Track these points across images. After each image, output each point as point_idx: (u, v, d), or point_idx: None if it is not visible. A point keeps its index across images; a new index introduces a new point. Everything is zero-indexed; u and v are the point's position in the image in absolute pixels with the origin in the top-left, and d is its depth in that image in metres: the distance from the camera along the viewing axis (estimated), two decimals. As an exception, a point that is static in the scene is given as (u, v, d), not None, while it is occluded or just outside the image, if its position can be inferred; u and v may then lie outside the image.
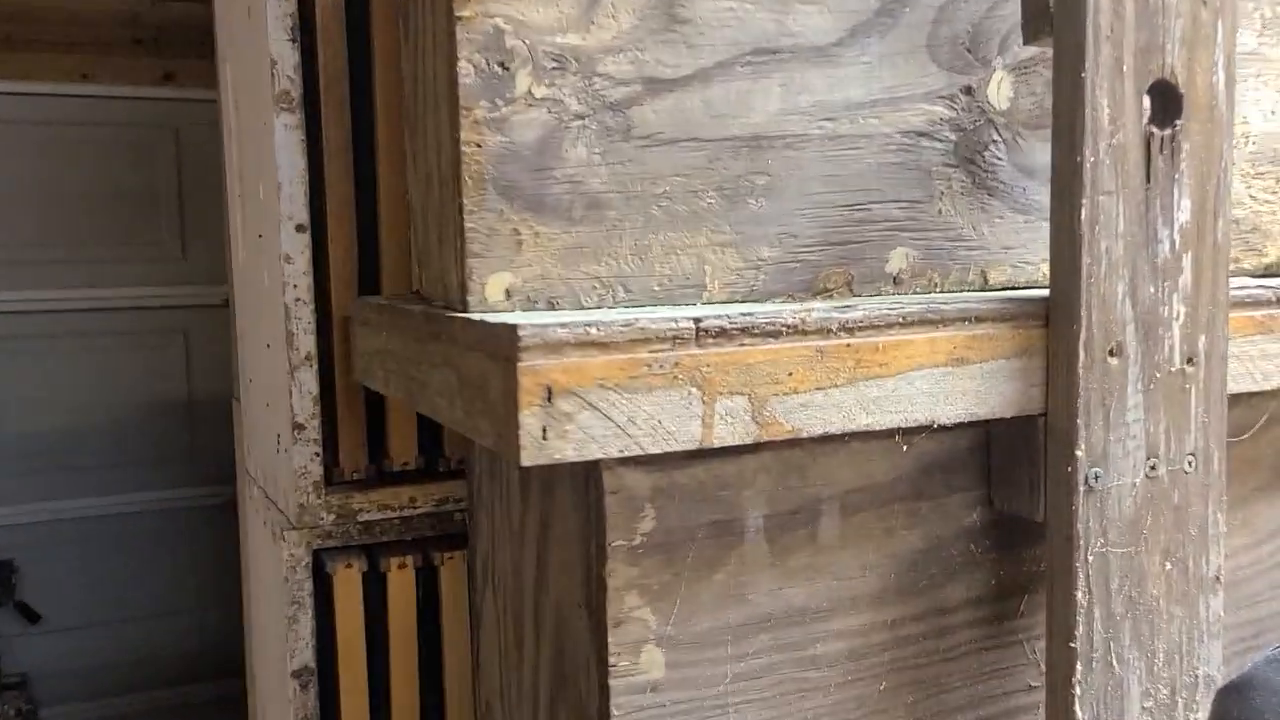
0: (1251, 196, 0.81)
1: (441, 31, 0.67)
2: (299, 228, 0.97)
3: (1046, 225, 0.71)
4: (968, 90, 0.74)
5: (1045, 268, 0.77)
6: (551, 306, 0.68)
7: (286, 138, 0.96)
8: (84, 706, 3.06)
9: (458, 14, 0.65)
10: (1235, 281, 0.74)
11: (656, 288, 0.70)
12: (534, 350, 0.55)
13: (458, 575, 1.06)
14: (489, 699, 0.91)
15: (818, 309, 0.62)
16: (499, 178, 0.66)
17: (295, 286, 0.97)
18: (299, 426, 0.98)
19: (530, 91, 0.66)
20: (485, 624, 0.92)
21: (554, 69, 0.67)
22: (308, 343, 0.98)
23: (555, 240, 0.68)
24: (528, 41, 0.66)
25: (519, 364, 0.55)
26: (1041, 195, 0.76)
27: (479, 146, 0.66)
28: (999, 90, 0.75)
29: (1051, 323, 0.66)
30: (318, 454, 0.99)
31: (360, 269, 1.01)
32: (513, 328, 0.55)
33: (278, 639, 1.08)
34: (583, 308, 0.69)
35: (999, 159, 0.75)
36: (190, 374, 3.25)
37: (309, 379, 0.98)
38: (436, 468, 1.07)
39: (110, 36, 3.23)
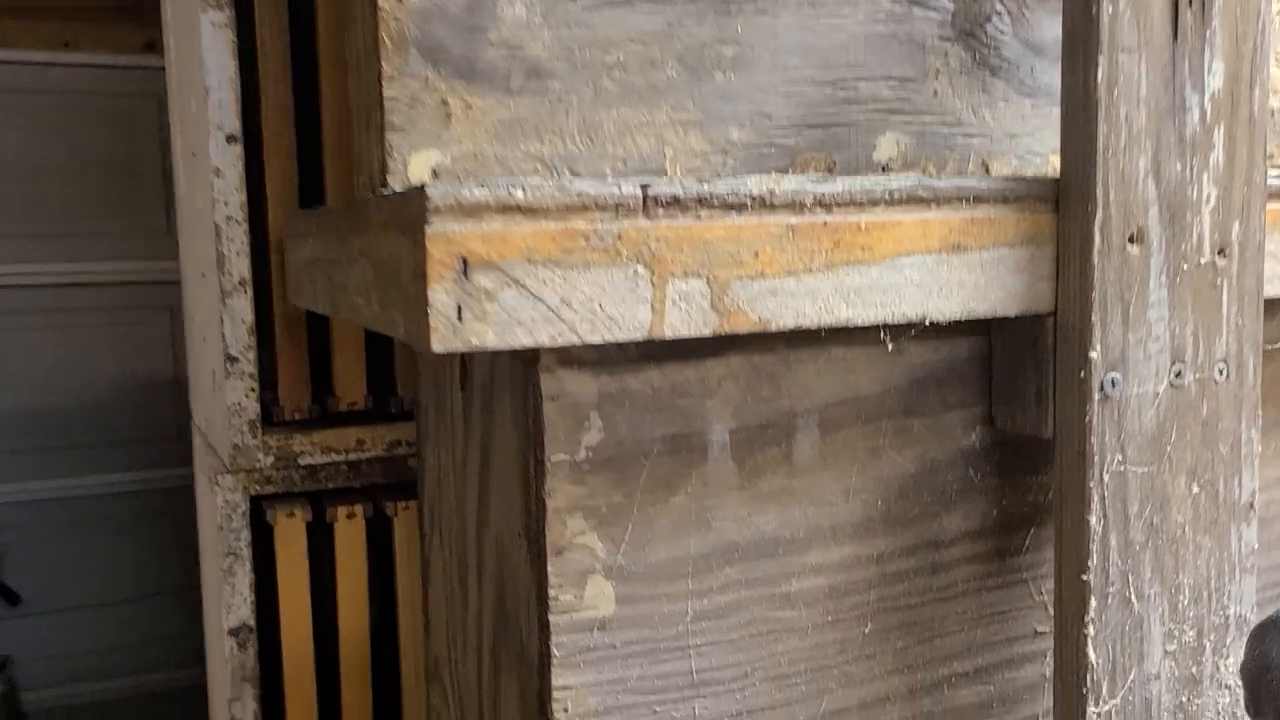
0: (1288, 83, 0.72)
1: None
2: (229, 138, 0.88)
3: (1056, 111, 0.62)
4: (967, -48, 0.65)
5: (1056, 160, 0.68)
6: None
7: (214, 38, 0.87)
8: (67, 690, 2.99)
9: None
10: (1273, 172, 0.65)
11: (608, 171, 0.61)
12: (445, 215, 0.46)
13: (412, 526, 0.97)
14: (437, 655, 0.82)
15: (790, 180, 0.53)
16: (422, 38, 0.57)
17: (226, 204, 0.89)
18: (232, 359, 0.90)
19: (459, -61, 0.57)
20: (433, 574, 0.83)
21: (487, -87, 0.57)
22: (241, 266, 0.89)
23: (490, 113, 0.59)
24: (456, -120, 0.57)
25: (427, 231, 0.46)
26: (1051, 75, 0.67)
27: (400, 2, 0.57)
28: (1002, -47, 0.65)
29: (1062, 205, 0.57)
30: (253, 389, 0.91)
31: (301, 184, 0.92)
32: (420, 190, 0.46)
33: (213, 594, 0.99)
34: (523, 193, 0.60)
35: (1003, 32, 0.66)
36: (176, 350, 3.16)
37: (242, 305, 0.90)
38: (388, 408, 0.99)
39: (92, 3, 3.13)
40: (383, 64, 0.57)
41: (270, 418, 0.94)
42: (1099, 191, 0.55)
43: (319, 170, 0.92)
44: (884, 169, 0.65)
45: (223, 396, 0.90)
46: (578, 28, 0.60)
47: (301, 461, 0.92)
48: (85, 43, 3.11)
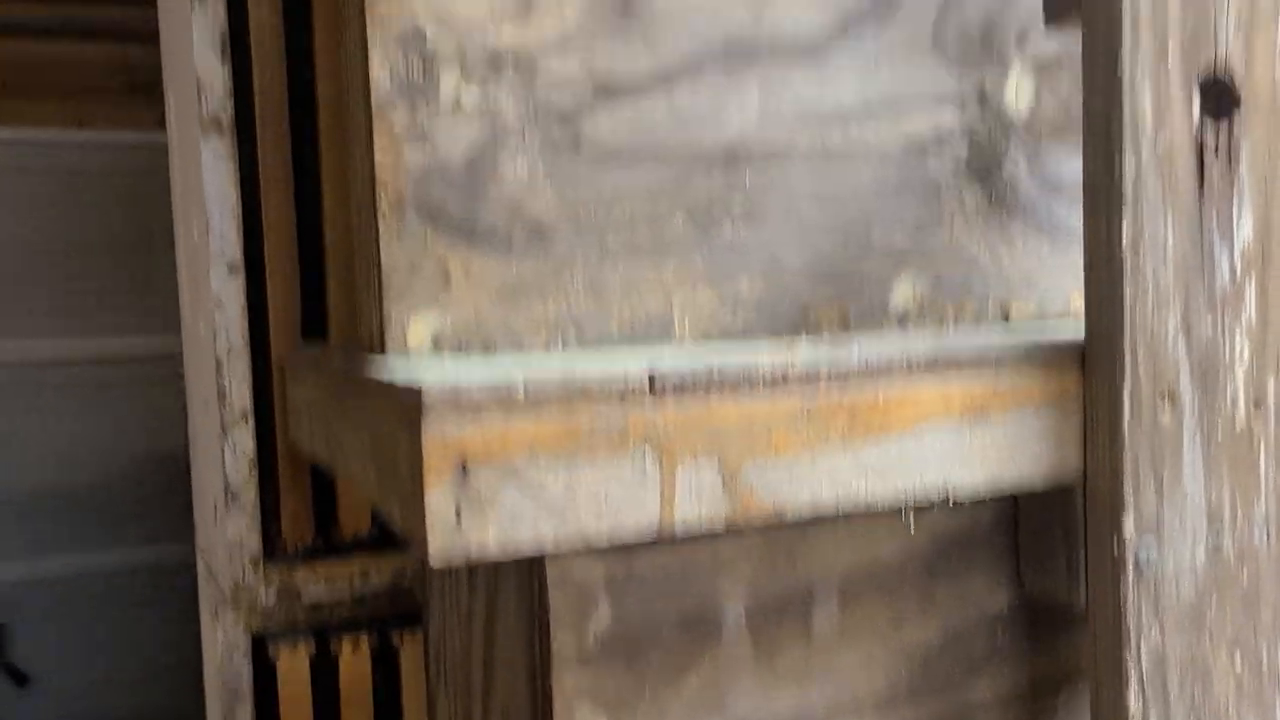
0: (1316, 213, 0.69)
1: (356, 31, 0.57)
2: (231, 268, 0.87)
3: (1077, 249, 0.60)
4: (981, 93, 0.63)
5: (1077, 299, 0.66)
6: (488, 354, 0.57)
7: (216, 167, 0.86)
8: (76, 771, 2.93)
9: (369, 8, 0.54)
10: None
11: (615, 331, 0.59)
12: (443, 413, 0.44)
13: (419, 657, 0.94)
14: (444, 805, 0.79)
15: (803, 355, 0.50)
16: (422, 201, 0.56)
17: (228, 334, 0.87)
18: (233, 494, 0.87)
19: (458, 97, 0.56)
20: (439, 715, 0.80)
21: (487, 71, 0.56)
22: (243, 397, 0.87)
23: (491, 275, 0.57)
24: (455, 38, 0.55)
25: (424, 431, 0.44)
26: (1070, 213, 0.65)
27: (396, 165, 0.55)
28: (1018, 91, 0.64)
29: (1089, 367, 0.54)
30: (255, 523, 0.88)
31: (304, 313, 0.90)
32: (415, 386, 0.44)
33: (215, 731, 0.96)
34: (525, 353, 0.57)
35: (1019, 172, 0.64)
36: (186, 425, 3.14)
37: (244, 438, 0.88)
38: (394, 536, 0.96)
39: (105, 83, 3.17)
40: (379, 226, 0.55)
41: (273, 550, 0.91)
42: (1127, 354, 0.53)
43: (322, 294, 0.90)
44: (900, 317, 0.63)
45: (224, 531, 0.88)
46: (582, 185, 0.58)
47: (305, 596, 0.90)
48: (98, 120, 3.13)
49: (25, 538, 2.90)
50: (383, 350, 0.56)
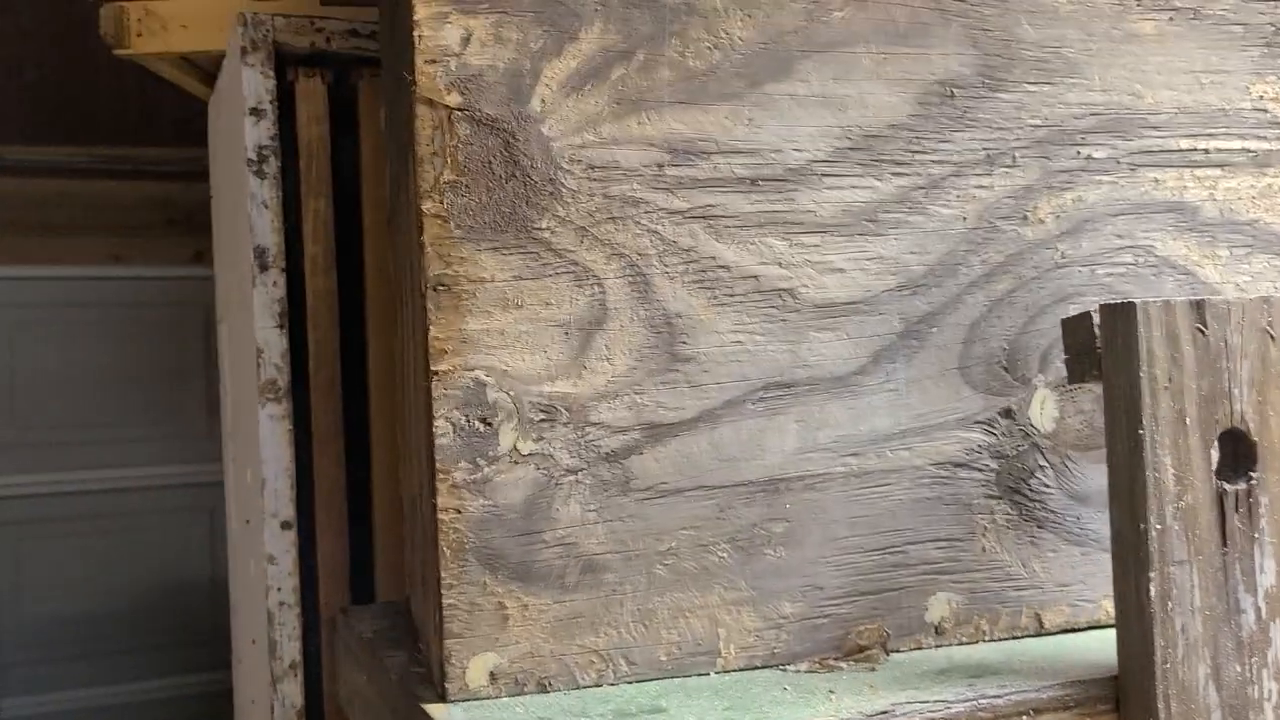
0: (1335, 509, 0.72)
1: (420, 387, 0.61)
2: (284, 525, 0.90)
3: (1106, 557, 0.63)
4: (1007, 413, 0.67)
5: (1107, 604, 0.68)
6: (543, 689, 0.60)
7: (272, 429, 0.90)
8: None
9: (434, 368, 0.58)
10: (1330, 628, 0.64)
11: (664, 657, 0.61)
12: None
13: None
14: None
15: (840, 704, 0.53)
16: (481, 546, 0.59)
17: (279, 590, 0.90)
18: (281, 746, 0.89)
19: (516, 448, 0.59)
20: None
21: (542, 421, 0.60)
22: (292, 650, 0.90)
23: (546, 612, 0.60)
24: (512, 393, 0.59)
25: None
26: (1098, 523, 0.67)
27: (459, 513, 0.59)
28: (1042, 411, 0.67)
29: (1123, 714, 0.57)
30: (302, 773, 0.90)
31: (353, 563, 0.94)
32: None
33: None
34: (579, 686, 0.60)
35: (1047, 486, 0.67)
36: (215, 551, 3.17)
37: (292, 690, 0.90)
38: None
39: (144, 219, 3.26)
40: (442, 573, 0.58)
41: (319, 795, 0.93)
42: (1159, 705, 0.55)
43: (369, 547, 0.93)
44: (937, 629, 0.65)
45: (272, 780, 0.90)
46: (631, 519, 0.61)
47: None
48: (134, 256, 3.22)
49: (58, 669, 2.90)
50: (442, 690, 0.58)
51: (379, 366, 0.93)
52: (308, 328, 0.92)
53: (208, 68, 1.09)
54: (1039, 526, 0.67)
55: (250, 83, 0.89)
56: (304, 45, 0.92)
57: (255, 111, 0.90)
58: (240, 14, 0.90)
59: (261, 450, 0.90)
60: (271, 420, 0.90)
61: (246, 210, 0.91)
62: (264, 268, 0.90)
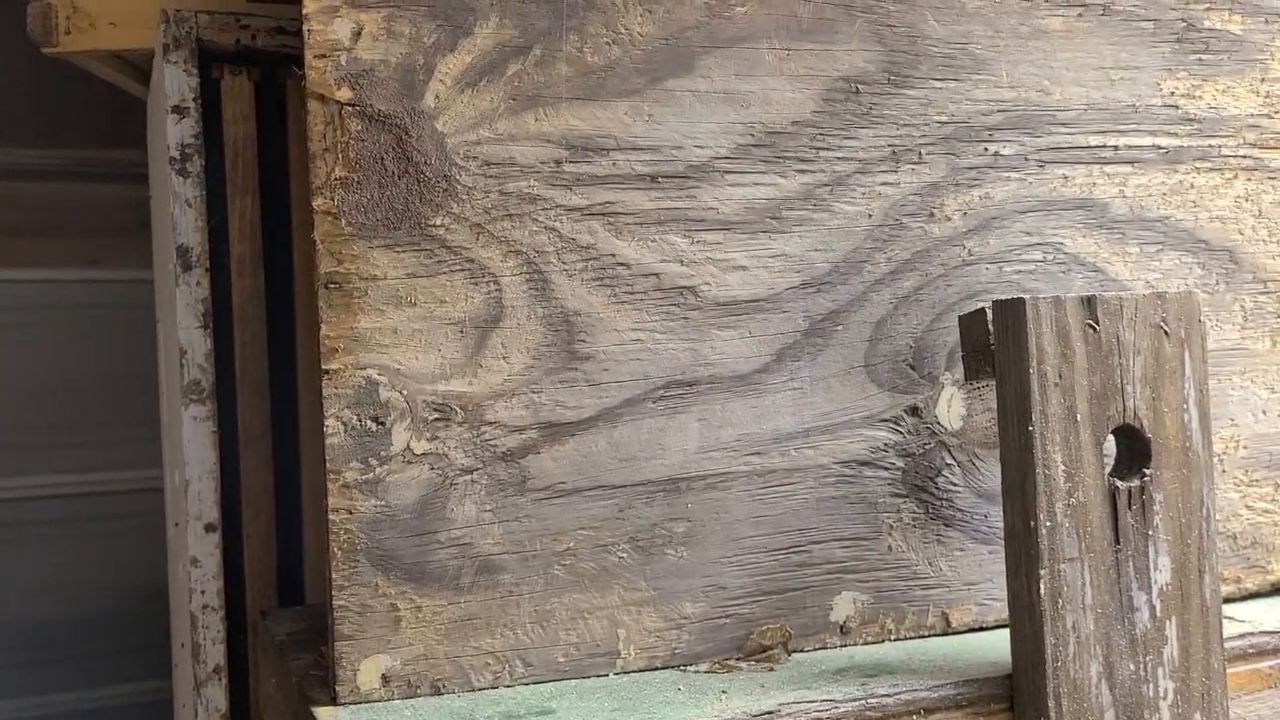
0: (1248, 507, 0.71)
1: (316, 386, 0.60)
2: (208, 527, 0.89)
3: (1014, 556, 0.62)
4: (914, 411, 0.66)
5: (1016, 603, 0.67)
6: (437, 691, 0.59)
7: (196, 430, 0.89)
8: None
9: (325, 367, 0.58)
10: (1234, 627, 0.64)
11: (562, 659, 0.61)
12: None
13: None
14: None
15: (734, 704, 0.52)
16: (373, 547, 0.58)
17: (203, 593, 0.89)
18: (205, 749, 0.89)
19: (409, 447, 0.59)
20: None
21: (436, 420, 0.59)
22: (216, 654, 0.89)
23: (441, 613, 0.59)
24: (405, 392, 0.59)
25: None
26: (1006, 522, 0.67)
27: (350, 514, 0.58)
28: (949, 408, 0.67)
29: (1016, 713, 0.56)
30: (226, 779, 0.89)
31: (281, 566, 0.93)
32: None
33: None
34: (474, 689, 0.59)
35: (954, 484, 0.67)
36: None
37: (217, 695, 0.89)
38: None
39: (120, 222, 3.25)
40: (332, 574, 0.58)
41: (246, 799, 0.92)
42: (1051, 704, 0.55)
43: (299, 548, 0.93)
44: (842, 629, 0.65)
45: (196, 785, 0.89)
46: (528, 520, 0.60)
47: (275, 847, 0.90)
48: (110, 259, 3.21)
49: (22, 675, 2.87)
50: (333, 693, 0.58)
51: (308, 367, 0.92)
52: (234, 328, 0.92)
53: (143, 66, 1.08)
54: (946, 525, 0.66)
55: (173, 80, 0.89)
56: (229, 43, 0.91)
57: (178, 109, 0.89)
58: (163, 11, 0.89)
59: (185, 452, 0.89)
60: (195, 422, 0.89)
61: (170, 209, 0.90)
62: (187, 267, 0.89)
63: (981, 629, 0.67)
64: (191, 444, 0.89)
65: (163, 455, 1.24)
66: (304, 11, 0.58)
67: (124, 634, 2.97)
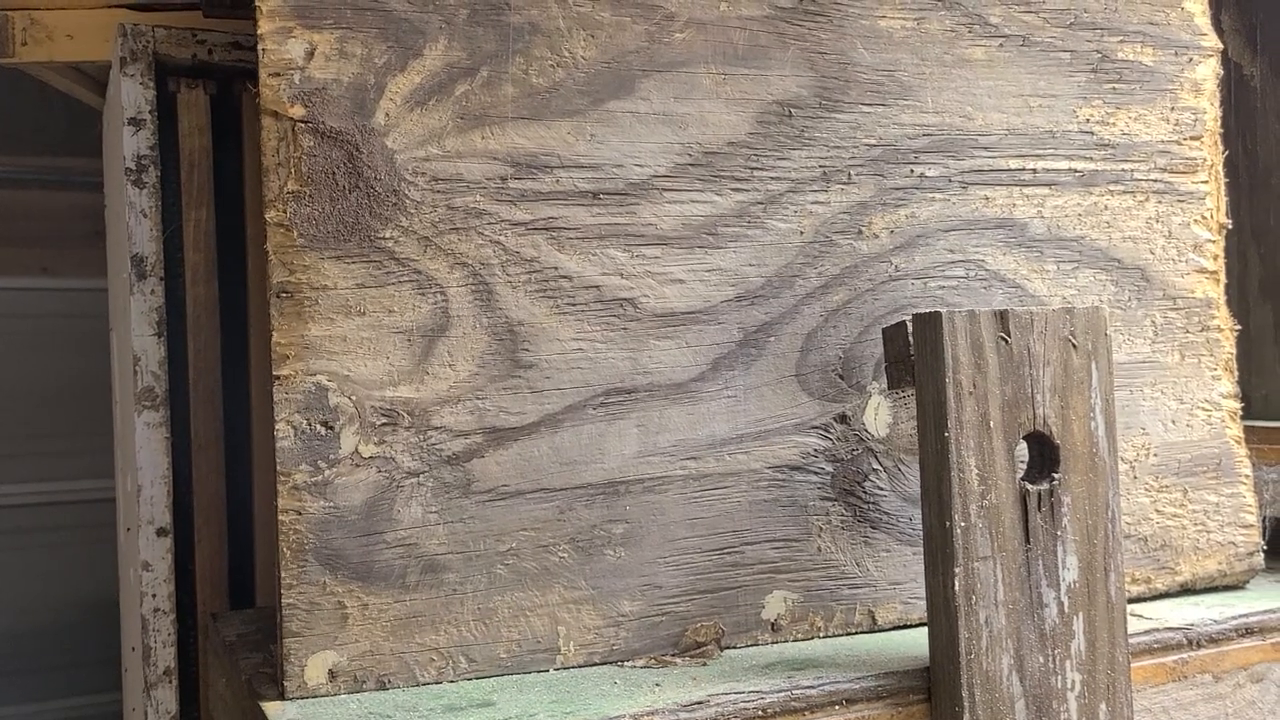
0: (1158, 511, 0.76)
1: (267, 392, 0.62)
2: (160, 531, 0.91)
3: (937, 557, 0.66)
4: (843, 418, 0.70)
5: (939, 602, 0.71)
6: (382, 686, 0.61)
7: (148, 436, 0.90)
8: None
9: (275, 373, 0.60)
10: (1141, 624, 0.68)
11: (504, 655, 0.63)
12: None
13: None
14: None
15: (665, 696, 0.55)
16: (321, 547, 0.60)
17: (154, 596, 0.90)
18: (154, 752, 0.90)
19: (357, 451, 0.61)
20: None
21: (384, 425, 0.62)
22: (167, 657, 0.91)
23: (387, 611, 0.61)
24: (354, 398, 0.61)
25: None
26: (930, 525, 0.70)
27: (299, 515, 0.60)
28: (876, 416, 0.70)
29: (934, 704, 0.59)
30: (175, 781, 0.90)
31: (233, 569, 0.94)
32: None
33: None
34: (419, 684, 0.62)
35: (881, 489, 0.70)
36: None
37: (167, 697, 0.90)
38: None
39: (74, 230, 3.22)
40: (281, 573, 0.60)
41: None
42: (965, 694, 0.58)
43: (250, 552, 0.94)
44: (773, 626, 0.68)
45: (145, 786, 0.90)
46: (472, 521, 0.63)
47: None
48: (63, 268, 3.18)
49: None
50: (283, 680, 0.60)
51: (260, 374, 0.94)
52: (188, 336, 0.93)
53: (99, 78, 1.10)
54: (873, 527, 0.70)
55: (129, 93, 0.90)
56: (186, 57, 0.93)
57: (134, 121, 0.91)
58: (120, 25, 0.91)
59: (138, 457, 0.90)
60: (148, 428, 0.91)
61: (125, 219, 0.91)
62: (142, 276, 0.91)
63: (906, 626, 0.70)
64: (144, 449, 0.91)
65: (115, 461, 1.24)
66: (259, 31, 0.60)
67: (78, 648, 2.93)
